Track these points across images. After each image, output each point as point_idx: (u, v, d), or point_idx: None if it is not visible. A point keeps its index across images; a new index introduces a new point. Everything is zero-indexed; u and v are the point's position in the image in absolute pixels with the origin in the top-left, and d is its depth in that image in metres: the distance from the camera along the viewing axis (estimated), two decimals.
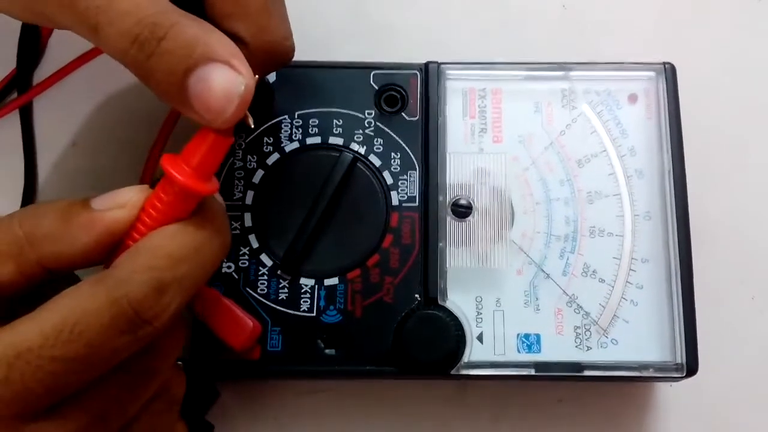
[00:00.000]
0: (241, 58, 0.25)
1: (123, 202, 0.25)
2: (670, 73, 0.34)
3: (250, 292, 0.32)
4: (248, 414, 0.34)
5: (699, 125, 0.35)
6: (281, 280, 0.32)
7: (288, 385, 0.34)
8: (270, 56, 0.28)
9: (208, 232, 0.25)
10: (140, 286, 0.23)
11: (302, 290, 0.32)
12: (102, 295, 0.23)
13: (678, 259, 0.32)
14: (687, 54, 0.35)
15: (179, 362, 0.33)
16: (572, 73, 0.34)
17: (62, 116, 0.38)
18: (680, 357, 0.31)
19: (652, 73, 0.34)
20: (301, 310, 0.32)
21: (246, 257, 0.33)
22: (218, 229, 0.26)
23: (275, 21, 0.28)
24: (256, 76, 0.25)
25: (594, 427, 0.34)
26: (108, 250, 0.25)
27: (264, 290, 0.32)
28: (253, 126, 0.26)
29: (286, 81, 0.34)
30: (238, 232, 0.33)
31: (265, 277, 0.32)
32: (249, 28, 0.27)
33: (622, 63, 0.34)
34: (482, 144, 0.34)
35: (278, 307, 0.32)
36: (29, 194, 0.37)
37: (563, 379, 0.31)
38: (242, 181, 0.33)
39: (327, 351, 0.31)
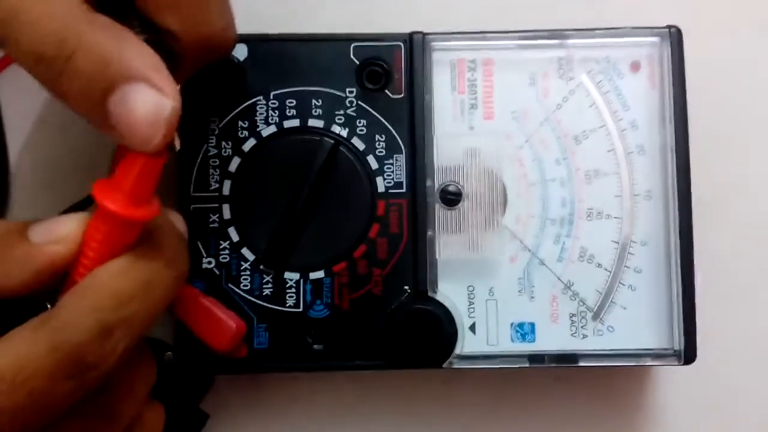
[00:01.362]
0: (163, 72, 0.22)
1: (61, 236, 0.23)
2: (675, 37, 0.31)
3: (233, 288, 0.31)
4: (243, 402, 0.34)
5: (706, 94, 0.32)
6: (264, 275, 0.31)
7: (280, 376, 0.34)
8: (206, 51, 0.25)
9: (159, 263, 0.23)
10: (84, 329, 0.21)
11: (287, 285, 0.31)
12: (44, 341, 0.21)
13: (678, 240, 0.30)
14: (694, 16, 0.32)
15: (169, 353, 0.32)
16: (569, 41, 0.31)
17: (28, 93, 0.36)
18: (678, 344, 0.30)
19: (656, 39, 0.31)
20: (287, 305, 0.31)
21: (227, 252, 0.31)
22: (171, 259, 0.24)
23: (212, 10, 0.24)
24: (179, 86, 0.23)
25: (592, 405, 0.34)
26: (52, 282, 0.24)
27: (247, 286, 0.31)
28: (179, 148, 0.24)
29: (259, 57, 0.32)
30: (216, 225, 0.31)
31: (248, 272, 0.31)
32: (182, 21, 0.23)
33: (623, 28, 0.31)
34: (472, 122, 0.31)
35: (263, 303, 0.31)
36: (3, 176, 0.35)
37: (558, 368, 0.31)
38: (218, 170, 0.31)
39: (315, 346, 0.31)
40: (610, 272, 0.31)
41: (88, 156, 0.35)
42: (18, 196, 0.35)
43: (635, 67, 0.31)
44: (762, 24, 0.35)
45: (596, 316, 0.31)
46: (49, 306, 0.24)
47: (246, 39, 0.32)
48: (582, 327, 0.31)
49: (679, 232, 0.30)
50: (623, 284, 0.31)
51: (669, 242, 0.31)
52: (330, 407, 0.34)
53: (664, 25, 0.31)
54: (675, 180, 0.30)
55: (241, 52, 0.32)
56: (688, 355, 0.30)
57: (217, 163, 0.31)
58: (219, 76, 0.31)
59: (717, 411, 0.34)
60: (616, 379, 0.34)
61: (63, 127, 0.36)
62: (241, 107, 0.32)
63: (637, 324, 0.30)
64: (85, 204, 0.32)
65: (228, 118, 0.32)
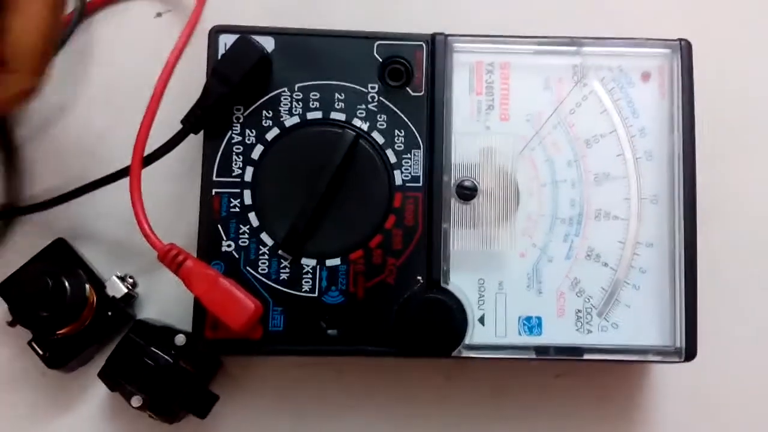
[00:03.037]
0: None
1: None
2: (685, 50, 0.32)
3: (251, 271, 0.32)
4: (252, 384, 0.35)
5: (713, 104, 0.34)
6: (282, 260, 0.32)
7: (292, 359, 0.35)
8: None
9: None
10: None
11: (303, 270, 0.32)
12: None
13: (683, 243, 0.31)
14: (703, 29, 0.34)
15: (180, 335, 0.33)
16: (584, 49, 0.33)
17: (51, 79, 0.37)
18: (679, 342, 0.31)
19: (667, 50, 0.33)
20: (303, 290, 0.32)
21: (246, 236, 0.32)
22: None
23: None
24: None
25: (591, 401, 0.35)
26: None
27: (265, 270, 0.32)
28: None
29: (285, 50, 0.33)
30: (237, 210, 0.32)
31: (266, 257, 0.32)
32: None
33: (636, 39, 0.33)
34: (489, 122, 0.33)
35: (280, 288, 0.32)
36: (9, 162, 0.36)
37: (563, 360, 0.32)
38: (241, 157, 0.32)
39: (329, 332, 0.31)
40: (616, 271, 0.32)
41: (108, 144, 0.36)
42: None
43: (646, 77, 0.33)
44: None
45: (601, 312, 0.32)
46: None
47: (273, 32, 0.33)
48: (587, 323, 0.32)
49: (684, 235, 0.31)
50: (628, 283, 0.32)
51: (674, 244, 0.32)
52: (336, 390, 0.35)
53: (675, 37, 0.33)
54: (681, 185, 0.32)
55: (268, 44, 0.33)
56: (689, 352, 0.31)
57: (241, 150, 0.32)
58: (245, 66, 0.32)
59: (715, 408, 0.35)
60: (616, 376, 0.35)
61: (84, 114, 0.36)
62: (266, 97, 0.33)
63: (640, 321, 0.31)
64: None
65: (253, 107, 0.33)
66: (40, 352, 0.34)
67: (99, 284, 0.34)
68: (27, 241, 0.35)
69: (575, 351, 0.31)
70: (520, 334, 0.32)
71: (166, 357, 0.32)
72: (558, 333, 0.31)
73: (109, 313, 0.34)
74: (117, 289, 0.34)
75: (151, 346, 0.33)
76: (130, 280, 0.35)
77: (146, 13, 0.38)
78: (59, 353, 0.34)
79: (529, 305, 0.32)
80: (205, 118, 0.32)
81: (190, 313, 0.31)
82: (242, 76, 0.31)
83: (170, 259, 0.30)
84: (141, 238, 0.31)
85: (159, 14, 0.38)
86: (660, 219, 0.32)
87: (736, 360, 0.35)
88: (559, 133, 0.33)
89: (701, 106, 0.32)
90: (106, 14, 0.38)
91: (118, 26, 0.38)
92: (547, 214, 0.32)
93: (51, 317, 0.32)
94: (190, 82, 0.33)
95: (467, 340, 0.31)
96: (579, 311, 0.32)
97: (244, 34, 0.32)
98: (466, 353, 0.31)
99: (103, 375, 0.33)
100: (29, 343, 0.34)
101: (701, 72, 0.33)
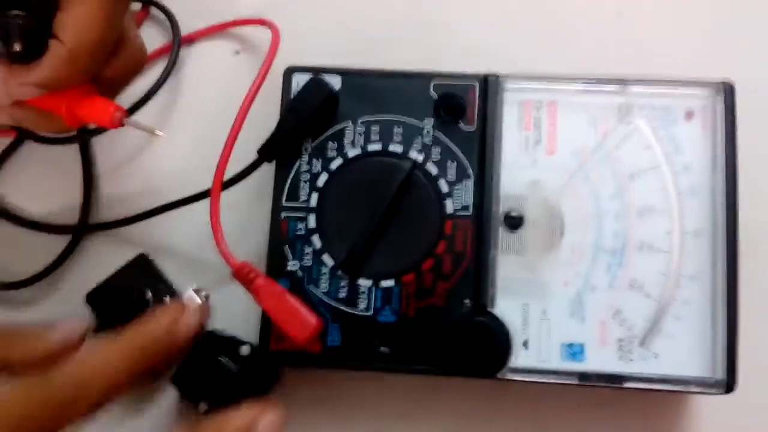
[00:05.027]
0: None
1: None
2: (728, 91, 0.34)
3: (313, 289, 0.35)
4: (308, 397, 0.37)
5: (755, 141, 0.35)
6: (341, 280, 0.35)
7: (343, 374, 0.37)
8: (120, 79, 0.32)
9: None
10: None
11: (360, 290, 0.34)
12: None
13: (725, 278, 0.32)
14: (744, 66, 0.35)
15: (245, 347, 0.36)
16: (630, 88, 0.35)
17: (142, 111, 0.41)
18: (720, 374, 0.32)
19: (710, 91, 0.34)
20: (359, 309, 0.34)
21: (310, 257, 0.35)
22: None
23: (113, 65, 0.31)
24: None
25: (631, 431, 0.36)
26: None
27: (325, 288, 0.35)
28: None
29: (351, 88, 0.36)
30: (303, 232, 0.35)
31: (327, 276, 0.35)
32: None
33: (681, 80, 0.34)
34: (536, 156, 0.35)
35: (338, 306, 0.34)
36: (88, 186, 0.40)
37: (604, 387, 0.33)
38: (308, 184, 0.36)
39: (382, 349, 0.34)
40: (658, 302, 0.33)
41: (192, 177, 0.40)
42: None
43: (689, 115, 0.34)
44: None
45: (643, 342, 0.33)
46: None
47: (340, 71, 0.36)
48: (629, 351, 0.33)
49: (726, 269, 0.32)
50: (671, 314, 0.33)
51: (716, 278, 0.33)
52: (386, 408, 0.36)
53: (719, 76, 0.34)
54: (724, 221, 0.33)
55: (335, 82, 0.36)
56: (729, 384, 0.32)
57: (308, 177, 0.36)
58: (316, 103, 0.35)
59: None
60: (656, 406, 0.36)
61: (170, 147, 0.40)
62: (332, 130, 0.36)
63: (681, 352, 0.32)
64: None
65: (320, 139, 0.36)
66: None
67: (176, 297, 0.38)
68: (113, 254, 0.39)
69: (617, 379, 0.32)
70: (562, 359, 0.33)
71: (233, 366, 0.35)
72: (600, 360, 0.33)
73: None
74: (194, 301, 0.37)
75: (219, 356, 0.36)
76: (204, 293, 0.38)
77: (225, 51, 0.42)
78: None
79: (572, 332, 0.33)
80: (278, 148, 0.35)
81: (250, 326, 0.34)
82: (313, 112, 0.35)
83: (243, 275, 0.34)
84: (211, 255, 0.34)
85: (237, 52, 0.42)
86: (703, 253, 0.33)
87: None
88: (604, 167, 0.34)
89: (744, 144, 0.33)
90: (190, 51, 0.42)
91: (200, 62, 0.42)
92: (590, 245, 0.34)
93: None
94: (262, 113, 0.36)
95: (511, 363, 0.33)
96: (621, 340, 0.33)
97: (315, 72, 0.36)
98: (510, 376, 0.33)
99: (175, 381, 0.36)
100: None
101: (744, 111, 0.34)
